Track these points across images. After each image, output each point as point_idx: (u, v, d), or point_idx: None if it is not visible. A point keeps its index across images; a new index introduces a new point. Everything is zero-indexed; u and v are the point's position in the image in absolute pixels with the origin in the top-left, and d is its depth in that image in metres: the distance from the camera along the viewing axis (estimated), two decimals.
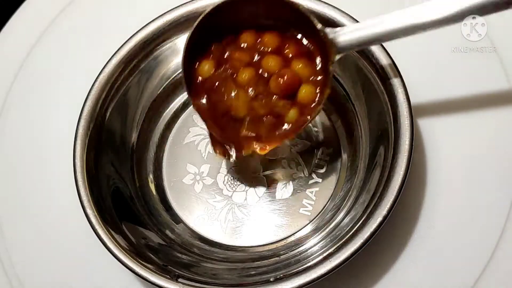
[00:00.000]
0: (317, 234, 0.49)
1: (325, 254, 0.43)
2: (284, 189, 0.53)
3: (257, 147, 0.48)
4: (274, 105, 0.47)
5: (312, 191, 0.52)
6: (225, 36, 0.48)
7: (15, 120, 0.61)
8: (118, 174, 0.53)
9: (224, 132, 0.48)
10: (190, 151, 0.56)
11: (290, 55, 0.47)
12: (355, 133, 0.53)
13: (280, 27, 0.47)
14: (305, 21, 0.45)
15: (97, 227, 0.46)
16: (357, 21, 0.48)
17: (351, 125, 0.53)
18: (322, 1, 0.49)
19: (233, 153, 0.49)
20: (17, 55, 0.63)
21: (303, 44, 0.47)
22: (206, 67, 0.48)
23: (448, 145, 0.52)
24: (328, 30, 0.44)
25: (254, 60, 0.47)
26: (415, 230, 0.49)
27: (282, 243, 0.51)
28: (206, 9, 0.46)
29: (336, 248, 0.43)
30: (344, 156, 0.53)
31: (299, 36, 0.47)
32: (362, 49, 0.46)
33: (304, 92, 0.46)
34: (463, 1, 0.40)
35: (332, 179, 0.53)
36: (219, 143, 0.49)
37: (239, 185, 0.54)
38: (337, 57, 0.44)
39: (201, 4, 0.52)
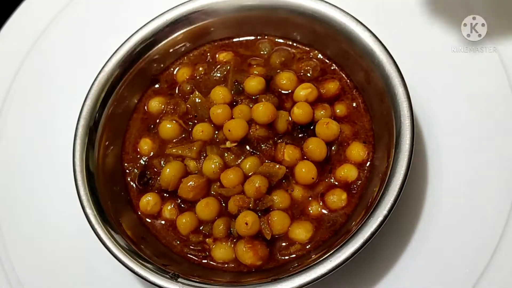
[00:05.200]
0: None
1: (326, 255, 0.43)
2: None
3: None
4: None
5: None
6: None
7: (15, 119, 0.61)
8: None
9: None
10: None
11: None
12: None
13: None
14: None
15: (97, 227, 0.46)
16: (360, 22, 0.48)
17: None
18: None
19: None
20: (17, 55, 0.64)
21: None
22: None
23: (449, 144, 0.52)
24: None
25: None
26: (415, 230, 0.49)
27: None
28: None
29: (336, 248, 0.43)
30: None
31: None
32: None
33: None
34: None
35: None
36: None
37: None
38: None
39: (201, 3, 0.52)
